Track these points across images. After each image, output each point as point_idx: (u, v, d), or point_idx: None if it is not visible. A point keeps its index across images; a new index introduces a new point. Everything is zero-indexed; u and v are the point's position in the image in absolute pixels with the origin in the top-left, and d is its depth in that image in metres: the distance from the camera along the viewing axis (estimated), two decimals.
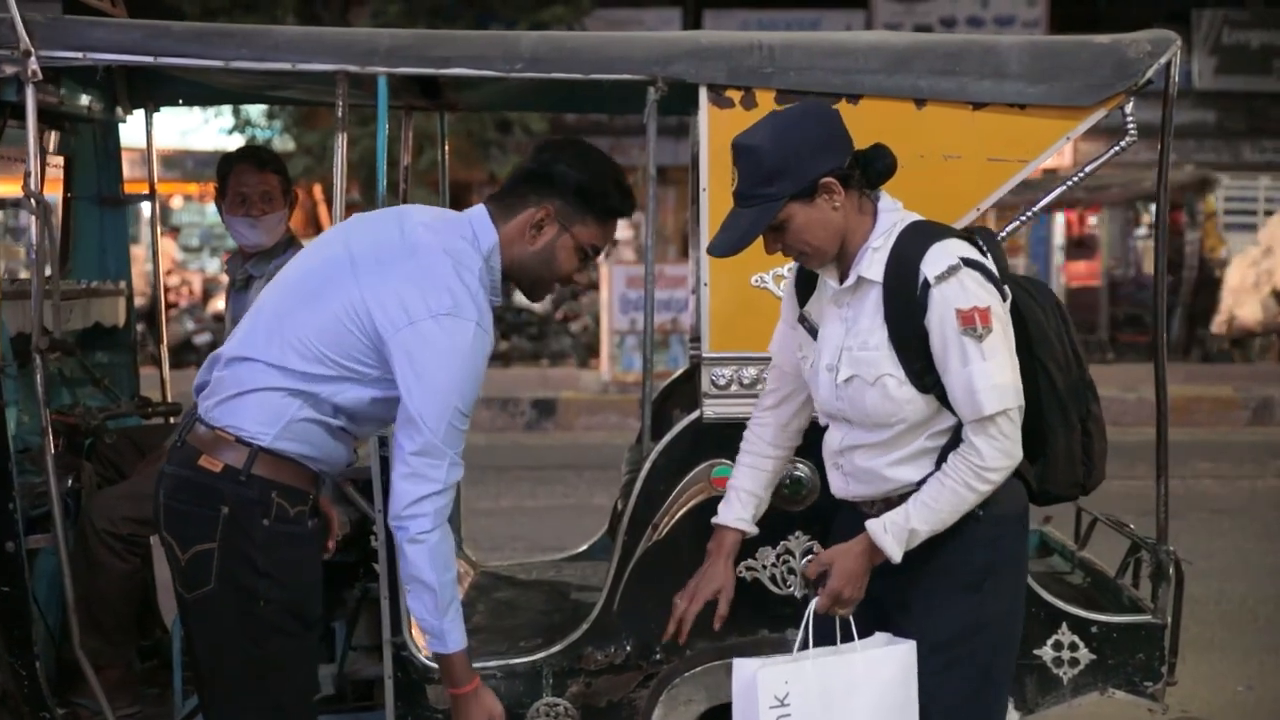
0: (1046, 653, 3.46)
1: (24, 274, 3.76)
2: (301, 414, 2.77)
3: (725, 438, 3.27)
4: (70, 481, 3.77)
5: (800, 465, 3.34)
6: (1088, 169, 3.48)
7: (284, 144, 16.68)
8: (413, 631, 3.44)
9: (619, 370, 13.50)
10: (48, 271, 3.54)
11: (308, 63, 3.43)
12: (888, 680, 2.79)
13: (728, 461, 3.21)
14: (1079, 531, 4.21)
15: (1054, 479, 2.91)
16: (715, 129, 3.39)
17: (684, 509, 3.42)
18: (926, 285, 2.69)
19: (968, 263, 2.71)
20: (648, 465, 3.43)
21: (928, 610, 2.86)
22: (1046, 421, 2.85)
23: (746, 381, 3.39)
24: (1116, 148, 3.41)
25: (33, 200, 3.42)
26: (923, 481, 2.79)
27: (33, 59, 3.32)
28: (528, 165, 2.87)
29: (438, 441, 2.72)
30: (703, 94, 3.41)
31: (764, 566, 3.44)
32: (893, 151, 2.80)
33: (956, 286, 2.69)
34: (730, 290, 3.42)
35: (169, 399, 4.49)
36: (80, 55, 3.39)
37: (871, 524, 2.79)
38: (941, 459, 2.79)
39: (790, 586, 3.45)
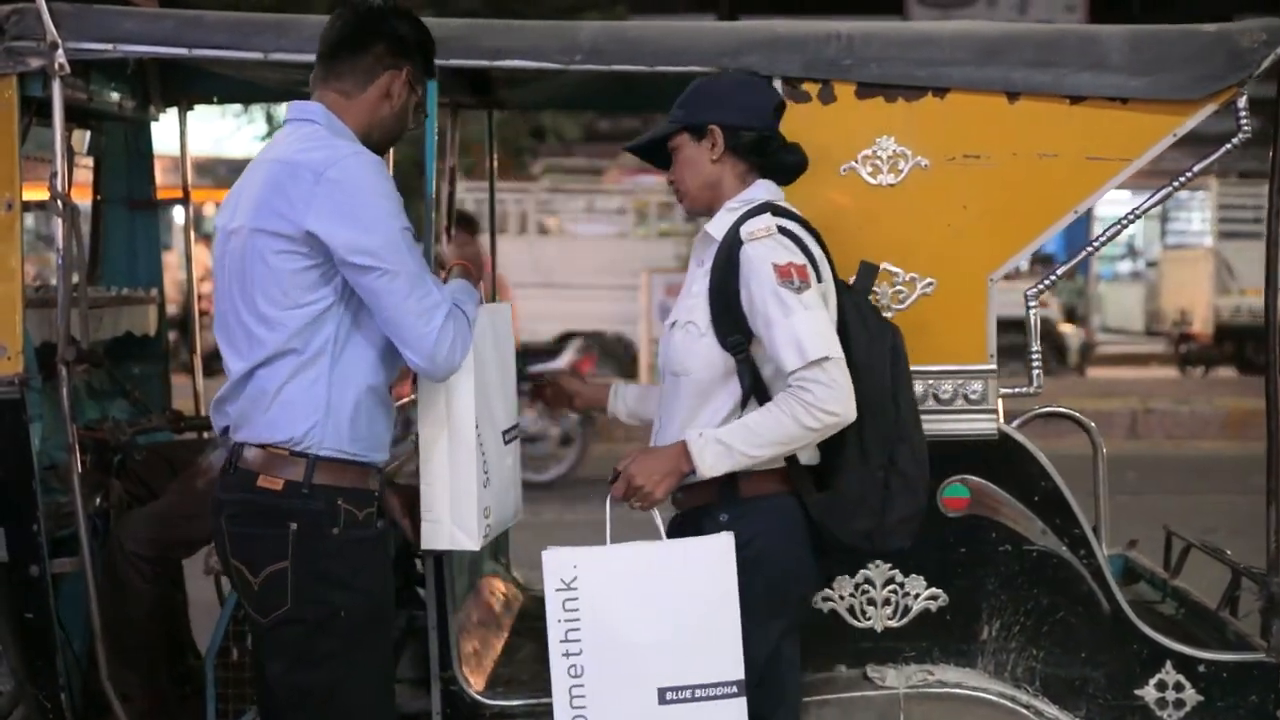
0: (1149, 693, 3.21)
1: (51, 280, 3.58)
2: (330, 391, 2.68)
3: None
4: (98, 500, 3.62)
5: None
6: (1195, 169, 3.24)
7: None
8: (462, 667, 3.23)
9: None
10: (75, 278, 3.36)
11: None
12: (699, 564, 2.71)
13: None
14: (1168, 559, 3.95)
15: (836, 515, 2.80)
16: (790, 125, 3.14)
17: None
18: (739, 243, 2.77)
19: (784, 231, 2.78)
20: None
21: None
22: (843, 454, 2.79)
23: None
24: (1228, 145, 3.17)
25: (59, 202, 3.27)
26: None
27: (60, 51, 3.18)
28: (377, 28, 2.82)
29: (412, 270, 2.64)
30: (777, 87, 3.17)
31: (841, 597, 3.22)
32: (805, 154, 2.94)
33: (772, 244, 2.75)
34: None
35: (202, 412, 4.30)
36: (110, 47, 3.25)
37: (689, 432, 2.78)
38: None
39: (870, 619, 3.21)
